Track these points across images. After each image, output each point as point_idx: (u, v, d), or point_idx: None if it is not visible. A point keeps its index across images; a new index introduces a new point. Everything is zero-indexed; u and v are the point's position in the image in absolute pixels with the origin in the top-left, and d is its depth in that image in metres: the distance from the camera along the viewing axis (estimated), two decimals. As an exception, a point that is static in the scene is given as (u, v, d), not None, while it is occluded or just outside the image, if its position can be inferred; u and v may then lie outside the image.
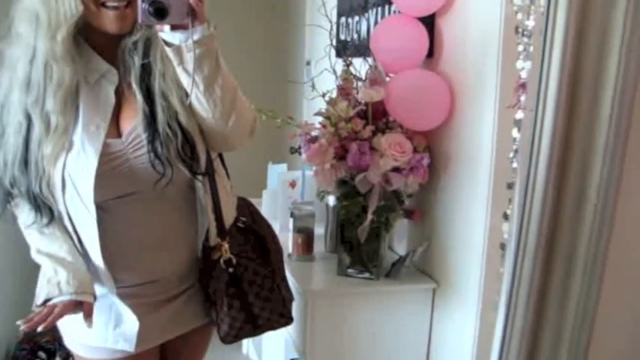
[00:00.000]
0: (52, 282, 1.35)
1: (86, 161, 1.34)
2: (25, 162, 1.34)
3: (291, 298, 1.67)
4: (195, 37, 1.24)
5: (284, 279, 1.66)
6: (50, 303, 1.33)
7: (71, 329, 1.51)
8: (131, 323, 1.45)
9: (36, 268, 1.52)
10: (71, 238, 1.42)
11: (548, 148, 1.07)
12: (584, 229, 1.10)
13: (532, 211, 1.10)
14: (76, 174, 1.35)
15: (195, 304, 1.54)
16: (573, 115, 1.05)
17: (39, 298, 1.35)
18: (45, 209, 1.38)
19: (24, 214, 1.42)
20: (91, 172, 1.34)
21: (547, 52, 1.06)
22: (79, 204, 1.37)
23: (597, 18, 1.01)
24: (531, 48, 1.32)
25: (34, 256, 1.43)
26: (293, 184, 2.47)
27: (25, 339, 2.94)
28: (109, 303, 1.45)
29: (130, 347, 1.45)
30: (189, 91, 1.30)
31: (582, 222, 1.10)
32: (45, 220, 1.39)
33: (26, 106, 1.32)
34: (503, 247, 1.62)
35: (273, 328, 1.60)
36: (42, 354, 2.76)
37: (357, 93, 1.89)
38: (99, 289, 1.43)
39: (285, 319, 1.61)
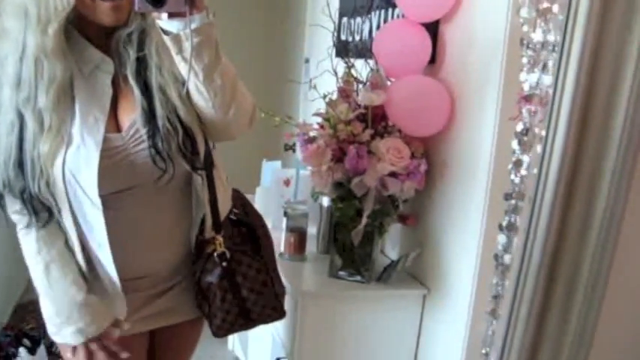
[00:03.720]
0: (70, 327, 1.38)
1: (87, 155, 1.31)
2: (20, 162, 1.30)
3: (283, 292, 1.66)
4: (194, 25, 1.21)
5: (276, 272, 1.64)
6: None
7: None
8: (121, 308, 1.43)
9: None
10: (78, 236, 1.39)
11: (556, 172, 1.08)
12: (586, 253, 1.11)
13: (537, 230, 1.10)
14: (77, 169, 1.32)
15: (186, 297, 1.53)
16: (583, 140, 1.06)
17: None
18: (42, 210, 1.34)
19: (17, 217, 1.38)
20: (93, 165, 1.31)
21: (562, 68, 1.05)
22: (84, 198, 1.35)
23: (613, 41, 1.01)
24: (540, 59, 1.31)
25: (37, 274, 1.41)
26: (287, 182, 2.46)
27: (10, 325, 2.91)
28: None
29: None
30: (187, 80, 1.28)
31: (585, 247, 1.12)
32: (41, 222, 1.35)
33: (18, 104, 1.28)
34: (497, 257, 1.62)
35: (266, 322, 1.60)
36: (26, 341, 2.74)
37: (358, 95, 1.88)
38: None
39: (278, 313, 1.61)
